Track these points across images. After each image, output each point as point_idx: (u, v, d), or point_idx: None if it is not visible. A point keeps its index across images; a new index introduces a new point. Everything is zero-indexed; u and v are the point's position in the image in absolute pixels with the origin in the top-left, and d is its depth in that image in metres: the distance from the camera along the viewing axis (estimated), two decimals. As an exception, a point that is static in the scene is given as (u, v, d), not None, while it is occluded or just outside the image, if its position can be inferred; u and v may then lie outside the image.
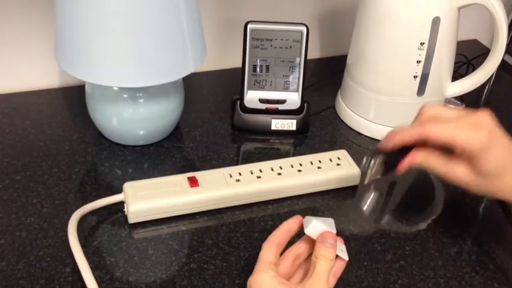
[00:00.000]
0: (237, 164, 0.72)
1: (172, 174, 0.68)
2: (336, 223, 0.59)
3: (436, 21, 0.71)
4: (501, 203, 0.63)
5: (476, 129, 0.51)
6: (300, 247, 0.54)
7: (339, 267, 0.54)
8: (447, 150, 0.54)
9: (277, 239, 0.53)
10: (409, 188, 0.73)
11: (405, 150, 0.55)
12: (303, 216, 0.54)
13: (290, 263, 0.53)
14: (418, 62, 0.73)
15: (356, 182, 0.71)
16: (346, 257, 0.53)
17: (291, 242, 0.54)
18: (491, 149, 0.51)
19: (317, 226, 0.52)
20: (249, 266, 0.59)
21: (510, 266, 0.62)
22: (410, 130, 0.54)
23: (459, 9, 0.72)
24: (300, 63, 0.76)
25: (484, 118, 0.52)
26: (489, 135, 0.51)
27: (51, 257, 0.59)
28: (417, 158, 0.55)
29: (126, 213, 0.63)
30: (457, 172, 0.53)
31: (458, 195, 0.72)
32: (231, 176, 0.67)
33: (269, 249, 0.52)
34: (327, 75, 0.95)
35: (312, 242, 0.53)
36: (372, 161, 0.58)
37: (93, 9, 0.60)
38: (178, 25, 0.64)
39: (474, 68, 0.92)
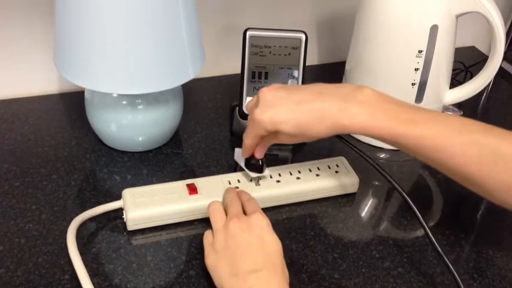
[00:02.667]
0: (235, 170, 0.72)
1: (171, 180, 0.68)
2: (334, 230, 0.62)
3: (434, 29, 0.71)
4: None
5: (252, 120, 0.59)
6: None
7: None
8: None
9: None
10: (407, 195, 0.73)
11: None
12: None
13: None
14: (416, 69, 0.73)
15: (354, 189, 0.71)
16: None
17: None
18: (278, 123, 0.56)
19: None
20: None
21: (508, 273, 0.62)
22: (247, 140, 0.63)
23: (457, 17, 0.72)
24: (298, 70, 0.76)
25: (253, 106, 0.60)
26: (265, 113, 0.57)
27: (50, 263, 0.59)
28: (257, 153, 0.65)
29: (125, 220, 0.63)
30: (282, 140, 0.60)
31: (456, 202, 0.72)
32: (229, 183, 0.67)
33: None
34: (325, 82, 0.95)
35: None
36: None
37: (92, 16, 0.60)
38: (177, 32, 0.64)
39: (472, 75, 0.93)
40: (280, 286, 0.52)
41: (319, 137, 0.56)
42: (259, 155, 0.65)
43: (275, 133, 0.58)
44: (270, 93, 0.58)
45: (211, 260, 0.56)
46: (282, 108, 0.57)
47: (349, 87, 0.56)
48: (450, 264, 0.58)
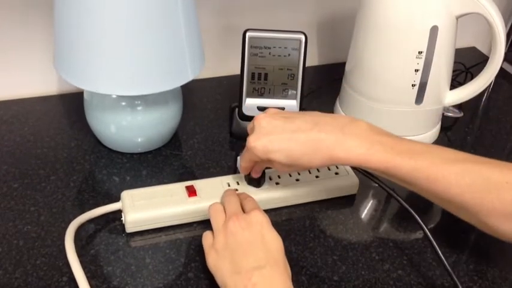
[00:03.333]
0: (234, 172, 0.72)
1: (171, 181, 0.68)
2: (333, 232, 0.62)
3: (434, 30, 0.71)
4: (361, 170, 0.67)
5: (246, 145, 0.59)
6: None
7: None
8: None
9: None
10: (407, 197, 0.73)
11: None
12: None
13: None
14: (416, 70, 0.73)
15: (354, 191, 0.71)
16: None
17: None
18: (271, 152, 0.57)
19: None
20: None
21: (508, 275, 0.62)
22: (242, 163, 0.64)
23: (457, 18, 0.72)
24: (298, 71, 0.76)
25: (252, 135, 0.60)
26: (258, 141, 0.57)
27: (48, 265, 0.59)
28: (254, 174, 0.66)
29: (123, 222, 0.62)
30: (276, 167, 0.60)
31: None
32: (229, 185, 0.67)
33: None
34: (325, 83, 0.95)
35: None
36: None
37: (91, 18, 0.60)
38: (176, 33, 0.64)
39: (473, 76, 0.92)
40: (284, 282, 0.52)
41: (312, 167, 0.57)
42: (255, 175, 0.66)
43: (269, 160, 0.59)
44: (265, 120, 0.58)
45: (213, 260, 0.55)
46: (275, 137, 0.57)
47: (345, 119, 0.57)
48: (449, 268, 0.59)
